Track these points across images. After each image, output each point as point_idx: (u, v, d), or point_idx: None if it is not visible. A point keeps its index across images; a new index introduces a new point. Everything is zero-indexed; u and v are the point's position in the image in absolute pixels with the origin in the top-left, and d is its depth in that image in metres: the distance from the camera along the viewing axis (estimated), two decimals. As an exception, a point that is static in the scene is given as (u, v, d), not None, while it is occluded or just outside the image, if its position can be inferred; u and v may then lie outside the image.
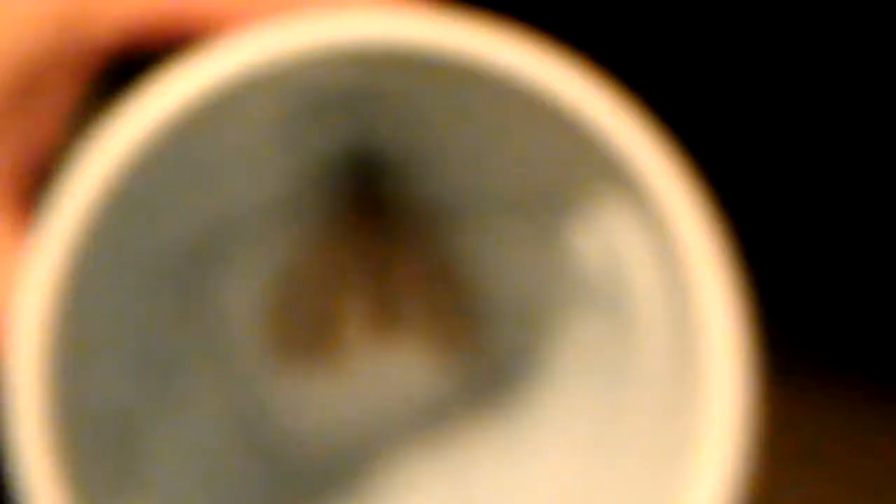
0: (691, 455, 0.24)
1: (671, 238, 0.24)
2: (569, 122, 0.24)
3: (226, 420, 0.36)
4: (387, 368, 0.38)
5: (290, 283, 0.37)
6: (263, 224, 0.37)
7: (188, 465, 0.33)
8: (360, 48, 0.24)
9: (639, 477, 0.27)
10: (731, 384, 0.24)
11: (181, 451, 0.33)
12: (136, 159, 0.24)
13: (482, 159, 0.32)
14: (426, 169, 0.36)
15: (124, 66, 0.29)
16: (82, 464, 0.24)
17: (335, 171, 0.37)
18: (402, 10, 0.25)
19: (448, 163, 0.35)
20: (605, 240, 0.28)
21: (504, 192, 0.32)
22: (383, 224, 0.38)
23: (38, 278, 0.23)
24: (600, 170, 0.25)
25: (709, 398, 0.24)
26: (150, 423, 0.31)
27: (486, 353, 0.38)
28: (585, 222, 0.28)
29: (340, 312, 0.38)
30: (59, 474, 0.22)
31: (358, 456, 0.37)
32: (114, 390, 0.30)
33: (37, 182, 0.29)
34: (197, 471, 0.33)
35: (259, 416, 0.37)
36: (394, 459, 0.37)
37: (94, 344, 0.27)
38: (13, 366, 0.23)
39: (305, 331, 0.37)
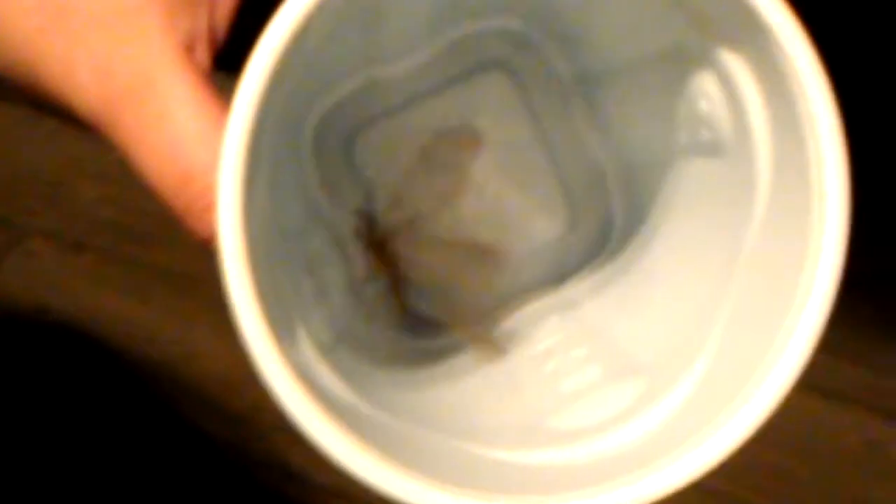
0: (801, 271, 0.27)
1: (793, 96, 0.27)
2: None
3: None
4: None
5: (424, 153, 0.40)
6: (405, 92, 0.40)
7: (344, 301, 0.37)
8: None
9: (754, 296, 0.30)
10: (837, 217, 0.27)
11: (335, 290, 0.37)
12: (314, 12, 0.26)
13: (626, 24, 0.34)
14: (570, 42, 0.39)
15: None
16: (274, 277, 0.27)
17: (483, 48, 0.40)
18: None
19: (590, 36, 0.37)
20: (730, 88, 0.30)
21: (641, 53, 0.35)
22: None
23: (238, 143, 0.25)
24: (736, 27, 0.28)
25: (819, 229, 0.27)
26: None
27: (608, 209, 0.41)
28: (716, 71, 0.30)
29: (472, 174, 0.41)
30: (256, 284, 0.26)
31: (490, 295, 0.40)
32: (290, 223, 0.33)
33: (216, 52, 0.30)
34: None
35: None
36: (521, 300, 0.40)
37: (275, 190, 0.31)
38: (224, 228, 0.25)
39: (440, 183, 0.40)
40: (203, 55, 0.30)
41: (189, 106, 0.28)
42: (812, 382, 0.69)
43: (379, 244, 0.38)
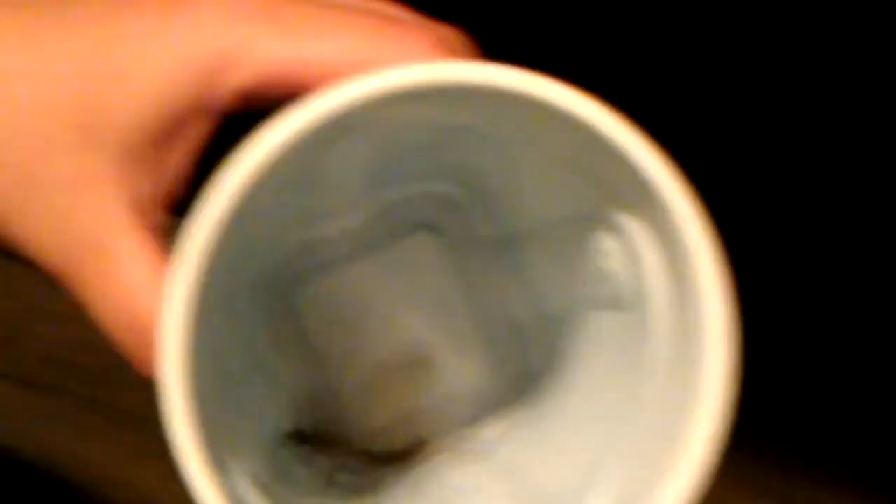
0: (691, 414, 0.30)
1: (682, 251, 0.30)
2: (609, 148, 0.29)
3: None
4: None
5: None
6: (339, 251, 0.43)
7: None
8: (442, 87, 0.29)
9: (651, 433, 0.33)
10: (723, 371, 0.30)
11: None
12: (250, 189, 0.29)
13: (540, 190, 0.38)
14: (492, 205, 0.42)
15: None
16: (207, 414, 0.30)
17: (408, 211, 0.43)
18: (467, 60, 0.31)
19: (509, 200, 0.41)
20: (629, 249, 0.33)
21: (552, 215, 0.38)
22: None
23: (179, 292, 0.28)
24: (630, 191, 0.31)
25: (706, 380, 0.30)
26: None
27: (525, 356, 0.44)
28: (615, 231, 0.34)
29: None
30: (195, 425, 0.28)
31: (409, 437, 0.43)
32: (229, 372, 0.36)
33: (170, 213, 0.34)
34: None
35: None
36: (435, 440, 0.43)
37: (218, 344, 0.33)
38: (165, 366, 0.28)
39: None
40: (157, 214, 0.33)
41: (137, 260, 0.32)
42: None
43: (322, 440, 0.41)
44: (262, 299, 0.42)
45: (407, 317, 0.44)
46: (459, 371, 0.44)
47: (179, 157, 0.33)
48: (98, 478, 0.69)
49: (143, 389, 0.32)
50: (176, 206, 0.34)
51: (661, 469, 0.31)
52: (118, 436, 0.68)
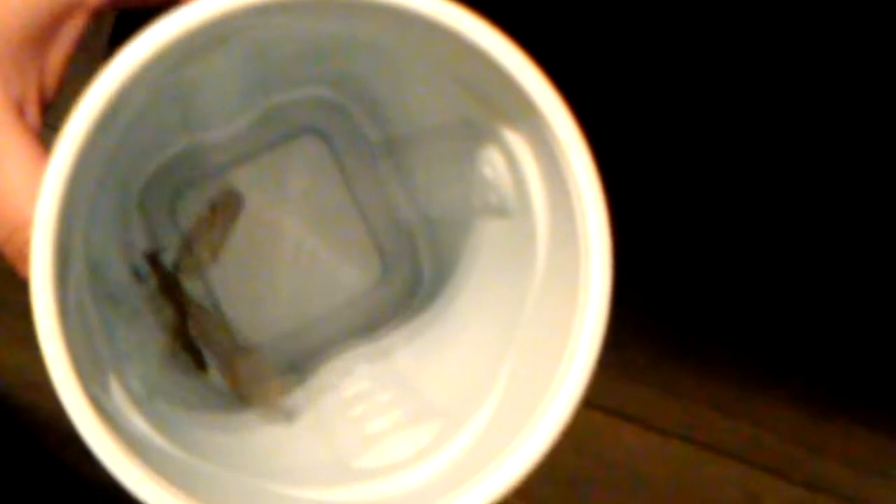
0: (573, 319, 0.31)
1: (560, 161, 0.30)
2: (494, 66, 0.29)
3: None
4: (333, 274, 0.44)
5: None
6: (225, 156, 0.43)
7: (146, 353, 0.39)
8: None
9: (536, 341, 0.33)
10: (600, 275, 0.30)
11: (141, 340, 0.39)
12: (127, 87, 0.28)
13: (424, 99, 0.38)
14: (377, 110, 0.42)
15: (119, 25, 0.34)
16: (76, 339, 0.30)
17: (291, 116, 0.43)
18: None
19: (394, 106, 0.41)
20: (511, 158, 0.33)
21: (437, 121, 0.38)
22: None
23: (50, 186, 0.28)
24: (513, 106, 0.31)
25: (586, 283, 0.30)
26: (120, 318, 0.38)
27: (415, 262, 0.44)
28: (499, 143, 0.34)
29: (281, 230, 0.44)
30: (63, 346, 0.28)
31: (302, 345, 0.44)
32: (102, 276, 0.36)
33: (44, 112, 0.33)
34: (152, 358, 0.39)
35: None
36: (333, 350, 0.43)
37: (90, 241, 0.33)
38: (35, 279, 0.28)
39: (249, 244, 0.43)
40: (34, 115, 0.33)
41: (17, 162, 0.31)
42: (691, 436, 0.71)
43: (168, 284, 0.41)
44: (147, 209, 0.42)
45: (295, 222, 0.44)
46: (350, 278, 0.44)
47: (55, 56, 0.33)
48: (25, 383, 0.69)
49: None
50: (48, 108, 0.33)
51: (547, 374, 0.31)
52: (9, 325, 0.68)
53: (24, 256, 0.31)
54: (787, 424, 0.71)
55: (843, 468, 0.71)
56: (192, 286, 0.42)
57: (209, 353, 0.41)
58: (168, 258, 0.42)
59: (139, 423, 0.32)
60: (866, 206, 0.67)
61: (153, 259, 0.41)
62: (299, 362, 0.43)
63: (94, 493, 0.67)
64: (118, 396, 0.32)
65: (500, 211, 0.35)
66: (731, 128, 0.67)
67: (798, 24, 0.64)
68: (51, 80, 0.33)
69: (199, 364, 0.41)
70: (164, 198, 0.42)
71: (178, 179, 0.42)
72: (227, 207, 0.42)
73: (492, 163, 0.34)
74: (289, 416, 0.40)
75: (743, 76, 0.66)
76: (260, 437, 0.39)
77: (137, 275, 0.40)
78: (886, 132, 0.66)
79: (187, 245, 0.42)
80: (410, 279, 0.44)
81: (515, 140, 0.33)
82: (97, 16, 0.33)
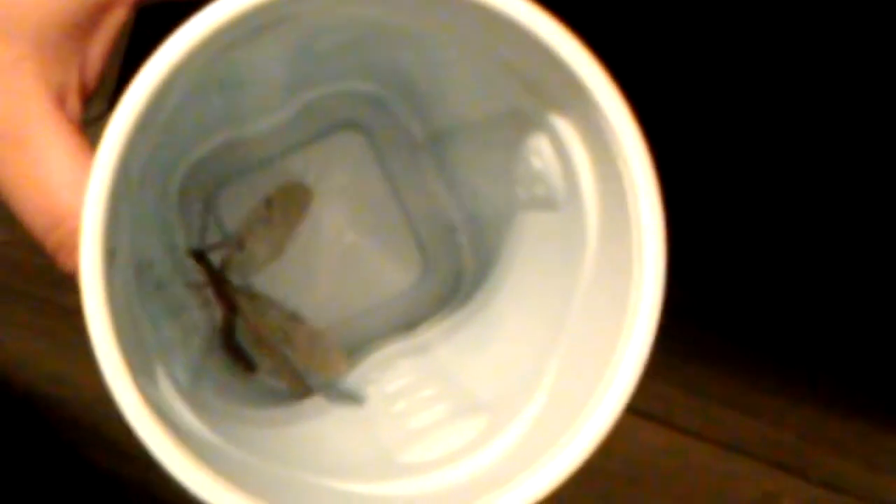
0: (625, 314, 0.30)
1: (612, 148, 0.30)
2: (540, 47, 0.29)
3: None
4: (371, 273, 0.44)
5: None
6: (265, 150, 0.43)
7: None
8: None
9: (585, 336, 0.33)
10: (654, 268, 0.30)
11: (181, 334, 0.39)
12: (175, 74, 0.28)
13: (469, 90, 0.37)
14: (420, 104, 0.41)
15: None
16: (125, 330, 0.29)
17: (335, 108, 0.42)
18: None
19: (438, 99, 0.40)
20: (560, 148, 0.33)
21: (481, 112, 0.38)
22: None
23: (99, 176, 0.28)
24: (560, 90, 0.30)
25: (638, 276, 0.30)
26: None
27: (457, 259, 0.43)
28: (548, 132, 0.33)
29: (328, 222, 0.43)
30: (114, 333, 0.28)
31: (341, 341, 0.43)
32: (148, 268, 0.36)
33: (85, 104, 0.33)
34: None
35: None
36: (374, 345, 0.43)
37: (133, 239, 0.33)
38: (85, 267, 0.27)
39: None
40: (74, 105, 0.32)
41: (60, 154, 0.31)
42: (713, 435, 0.71)
43: (217, 282, 0.40)
44: (186, 203, 0.41)
45: (334, 217, 0.43)
46: (391, 274, 0.44)
47: (96, 48, 0.33)
48: (46, 376, 0.69)
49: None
50: (90, 99, 0.33)
51: (596, 371, 0.31)
52: (66, 335, 0.68)
53: (66, 249, 0.31)
54: (807, 423, 0.71)
55: (864, 469, 0.71)
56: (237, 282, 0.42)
57: (259, 340, 0.41)
58: (215, 257, 0.41)
59: (186, 413, 0.32)
60: (888, 201, 0.67)
61: (199, 256, 0.40)
62: (340, 358, 0.42)
63: (115, 488, 0.67)
64: (165, 387, 0.32)
65: (548, 203, 0.35)
66: (753, 125, 0.66)
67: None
68: (91, 72, 0.33)
69: (247, 365, 0.40)
70: (203, 192, 0.42)
71: (219, 173, 0.42)
72: (289, 203, 0.42)
73: (540, 153, 0.34)
74: (352, 398, 0.39)
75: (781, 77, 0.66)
76: (303, 431, 0.38)
77: (183, 271, 0.40)
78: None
79: (239, 243, 0.41)
80: (452, 276, 0.43)
81: (565, 128, 0.32)
82: (138, 8, 0.33)
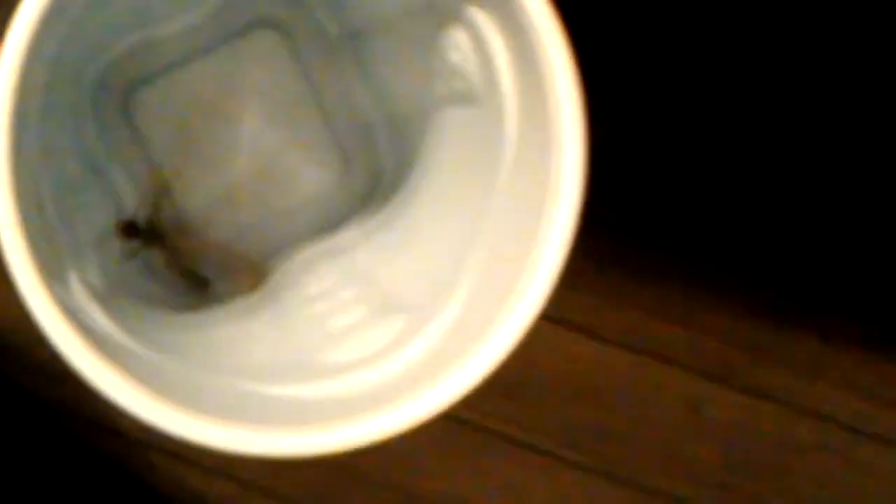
0: (541, 217, 0.30)
1: (532, 41, 0.29)
2: None
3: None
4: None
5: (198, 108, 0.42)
6: (180, 50, 0.41)
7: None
8: None
9: (504, 233, 0.32)
10: (575, 161, 0.29)
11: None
12: None
13: None
14: (337, 2, 0.40)
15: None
16: (34, 231, 0.28)
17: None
18: None
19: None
20: (480, 42, 0.32)
21: (399, 6, 0.37)
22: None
23: (6, 69, 0.27)
24: None
25: (558, 170, 0.29)
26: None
27: (375, 158, 0.43)
28: (466, 24, 0.32)
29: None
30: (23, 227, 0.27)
31: (261, 242, 0.42)
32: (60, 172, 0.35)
33: None
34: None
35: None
36: (294, 247, 0.42)
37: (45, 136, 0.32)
38: None
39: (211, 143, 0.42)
40: None
41: None
42: (635, 344, 0.71)
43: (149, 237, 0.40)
44: (101, 103, 0.40)
45: (251, 118, 0.42)
46: (310, 175, 0.43)
47: None
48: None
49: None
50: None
51: (513, 275, 0.30)
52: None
53: None
54: (730, 330, 0.72)
55: (787, 375, 0.72)
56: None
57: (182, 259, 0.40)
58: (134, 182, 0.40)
59: (101, 318, 0.31)
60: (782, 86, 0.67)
61: (130, 228, 0.39)
62: (259, 260, 0.42)
63: (43, 409, 0.66)
64: (78, 291, 0.31)
65: (467, 97, 0.34)
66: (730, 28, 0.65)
67: None
68: None
69: (202, 282, 0.40)
70: (118, 95, 0.41)
71: (132, 75, 0.41)
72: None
73: (458, 46, 0.33)
74: (271, 300, 0.39)
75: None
76: (223, 334, 0.38)
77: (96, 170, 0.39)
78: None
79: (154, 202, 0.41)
80: (371, 175, 0.42)
81: (483, 19, 0.32)
82: None
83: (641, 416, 0.73)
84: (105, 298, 0.32)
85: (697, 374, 0.71)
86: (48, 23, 0.27)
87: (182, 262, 0.40)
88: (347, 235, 0.42)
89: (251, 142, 0.42)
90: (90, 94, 0.40)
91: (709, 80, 0.67)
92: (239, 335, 0.38)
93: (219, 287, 0.40)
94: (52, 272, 0.28)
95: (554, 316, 0.73)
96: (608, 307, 0.68)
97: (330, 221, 0.43)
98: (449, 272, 0.34)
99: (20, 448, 0.67)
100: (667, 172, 0.69)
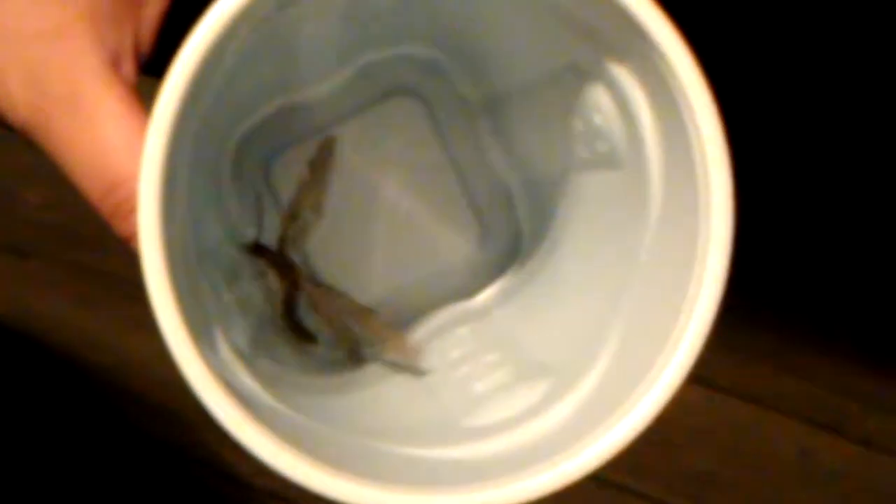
0: (690, 281, 0.29)
1: (677, 100, 0.29)
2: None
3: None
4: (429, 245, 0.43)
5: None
6: (321, 116, 0.42)
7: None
8: None
9: (650, 297, 0.32)
10: (723, 230, 0.29)
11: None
12: (230, 29, 0.27)
13: (524, 47, 0.36)
14: (474, 66, 0.41)
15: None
16: (184, 294, 0.29)
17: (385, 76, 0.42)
18: None
19: (493, 60, 0.39)
20: (622, 102, 0.32)
21: (539, 70, 0.37)
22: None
23: (154, 144, 0.27)
24: (621, 39, 0.30)
25: (706, 237, 0.29)
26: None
27: (514, 223, 0.43)
28: (607, 85, 0.32)
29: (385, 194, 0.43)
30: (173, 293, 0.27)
31: (399, 309, 0.42)
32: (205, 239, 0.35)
33: (139, 69, 0.33)
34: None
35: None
36: (430, 313, 0.42)
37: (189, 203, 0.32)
38: (144, 232, 0.27)
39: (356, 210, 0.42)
40: (129, 68, 0.32)
41: (114, 117, 0.30)
42: (748, 392, 0.71)
43: (279, 266, 0.40)
44: (243, 166, 0.41)
45: (391, 185, 0.43)
46: (448, 243, 0.43)
47: (150, 10, 0.33)
48: (87, 343, 0.69)
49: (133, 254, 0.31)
50: (146, 65, 0.33)
51: (662, 332, 0.30)
52: (107, 301, 0.68)
53: (121, 213, 0.30)
54: (845, 381, 0.71)
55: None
56: (295, 256, 0.42)
57: (322, 320, 0.40)
58: (269, 237, 0.41)
59: (246, 380, 0.31)
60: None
61: (257, 249, 0.40)
62: (397, 326, 0.42)
63: (162, 452, 0.67)
64: (225, 353, 0.31)
65: (610, 161, 0.34)
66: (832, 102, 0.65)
67: None
68: (146, 34, 0.33)
69: (309, 337, 0.40)
70: (258, 160, 0.41)
71: (273, 142, 0.42)
72: (321, 160, 0.41)
73: (601, 109, 0.33)
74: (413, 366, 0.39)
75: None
76: (363, 398, 0.38)
77: (236, 242, 0.40)
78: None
79: (293, 214, 0.41)
80: (510, 241, 0.42)
81: (625, 78, 0.31)
82: None
83: (753, 465, 0.73)
84: (249, 361, 0.33)
85: (812, 425, 0.71)
86: (196, 92, 0.28)
87: (325, 313, 0.41)
88: (487, 298, 0.42)
89: (389, 210, 0.43)
90: (230, 164, 0.40)
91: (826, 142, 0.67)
92: (380, 399, 0.38)
93: (364, 352, 0.40)
94: (201, 335, 0.28)
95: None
96: (723, 356, 0.68)
97: (467, 287, 0.43)
98: (592, 335, 0.34)
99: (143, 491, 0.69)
100: (782, 228, 0.68)
